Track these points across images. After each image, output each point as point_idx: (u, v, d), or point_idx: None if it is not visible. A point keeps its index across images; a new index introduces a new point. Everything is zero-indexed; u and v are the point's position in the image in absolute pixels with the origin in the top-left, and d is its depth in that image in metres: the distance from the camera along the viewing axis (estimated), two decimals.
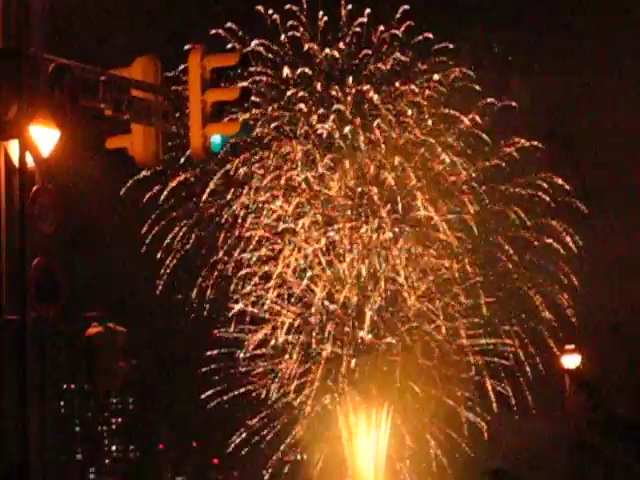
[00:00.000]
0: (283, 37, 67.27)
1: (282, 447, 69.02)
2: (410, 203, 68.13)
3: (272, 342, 68.08)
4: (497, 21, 69.13)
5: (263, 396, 68.63)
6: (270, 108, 67.62)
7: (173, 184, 66.19)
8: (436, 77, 68.06)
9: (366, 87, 68.62)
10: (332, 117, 67.87)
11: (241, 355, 68.16)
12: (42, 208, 19.15)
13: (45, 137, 19.17)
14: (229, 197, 67.49)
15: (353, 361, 68.13)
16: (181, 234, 66.80)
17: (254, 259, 67.66)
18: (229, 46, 63.38)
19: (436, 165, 68.36)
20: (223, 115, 21.47)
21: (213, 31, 63.34)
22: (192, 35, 54.82)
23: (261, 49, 66.27)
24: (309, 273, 67.82)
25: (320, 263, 67.93)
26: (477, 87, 67.71)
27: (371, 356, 68.39)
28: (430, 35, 67.34)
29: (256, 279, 67.75)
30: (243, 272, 67.44)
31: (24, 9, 19.35)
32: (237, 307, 67.47)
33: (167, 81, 21.90)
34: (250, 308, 67.81)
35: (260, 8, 65.77)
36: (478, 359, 67.93)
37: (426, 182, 68.31)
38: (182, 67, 21.79)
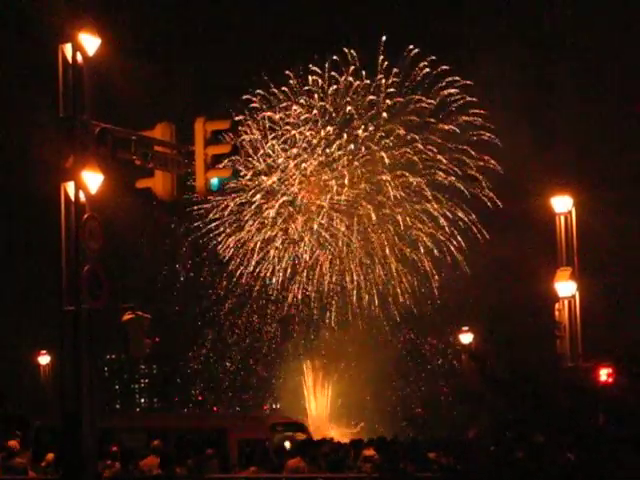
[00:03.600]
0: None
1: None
2: None
3: None
4: None
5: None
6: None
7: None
8: None
9: None
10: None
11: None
12: (90, 230, 19.10)
13: (92, 180, 19.18)
14: None
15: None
16: None
17: None
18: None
19: None
20: (219, 164, 21.45)
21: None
22: (200, 106, 54.38)
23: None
24: None
25: None
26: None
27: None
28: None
29: None
30: None
31: (79, 87, 19.31)
32: None
33: (179, 140, 21.81)
34: None
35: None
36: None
37: None
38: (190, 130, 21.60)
